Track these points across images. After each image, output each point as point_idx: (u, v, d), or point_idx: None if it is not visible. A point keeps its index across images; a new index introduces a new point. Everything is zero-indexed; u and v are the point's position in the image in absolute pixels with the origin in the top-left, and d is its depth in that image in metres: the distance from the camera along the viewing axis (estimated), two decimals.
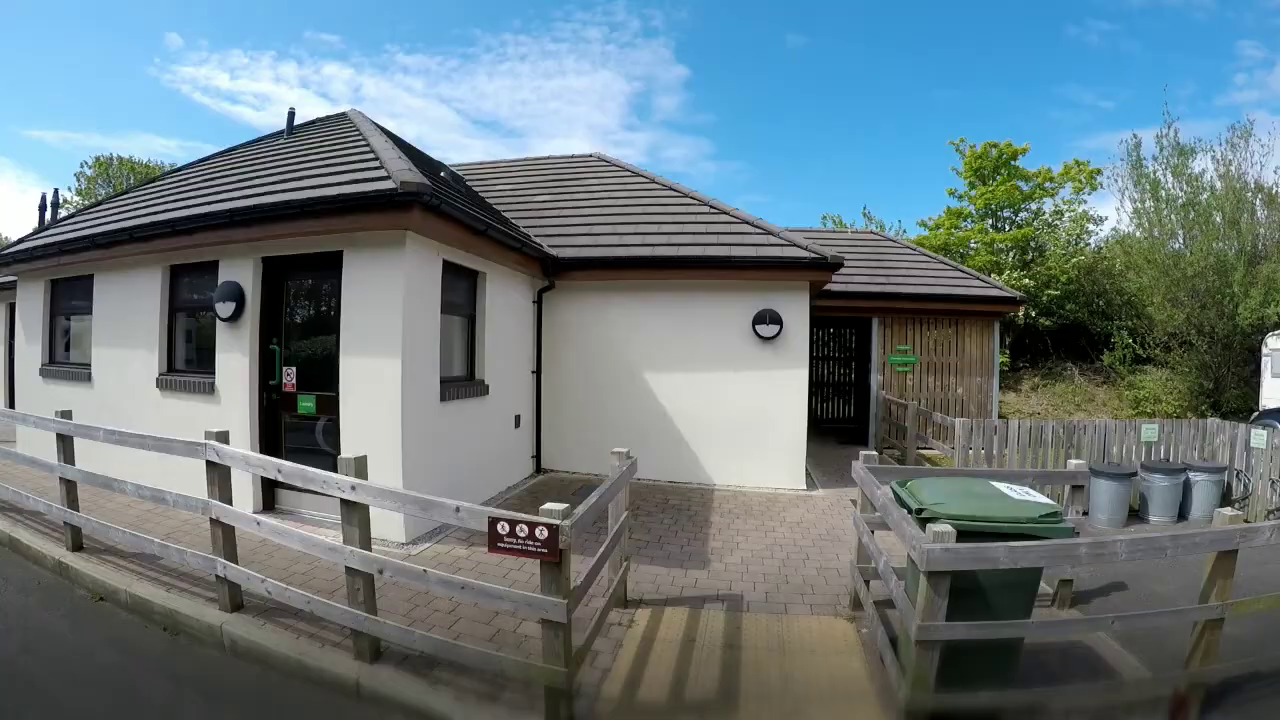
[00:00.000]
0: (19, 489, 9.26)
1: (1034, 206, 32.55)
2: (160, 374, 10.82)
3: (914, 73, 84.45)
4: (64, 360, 13.40)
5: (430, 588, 5.42)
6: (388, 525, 8.21)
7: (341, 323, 9.02)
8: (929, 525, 4.68)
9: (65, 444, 8.25)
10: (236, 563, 6.53)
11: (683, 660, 5.73)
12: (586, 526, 5.20)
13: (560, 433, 13.48)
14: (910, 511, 5.31)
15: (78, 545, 8.21)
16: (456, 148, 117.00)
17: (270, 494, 9.79)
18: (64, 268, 12.78)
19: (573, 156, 19.87)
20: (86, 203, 36.02)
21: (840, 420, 21.78)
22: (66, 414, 8.37)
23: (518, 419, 12.56)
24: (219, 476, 6.54)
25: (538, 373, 13.39)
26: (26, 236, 14.44)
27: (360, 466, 5.63)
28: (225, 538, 6.52)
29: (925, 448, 15.09)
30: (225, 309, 9.74)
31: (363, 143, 11.04)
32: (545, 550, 4.60)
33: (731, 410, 12.43)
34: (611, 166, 18.37)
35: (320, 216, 8.71)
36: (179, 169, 15.17)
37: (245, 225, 9.35)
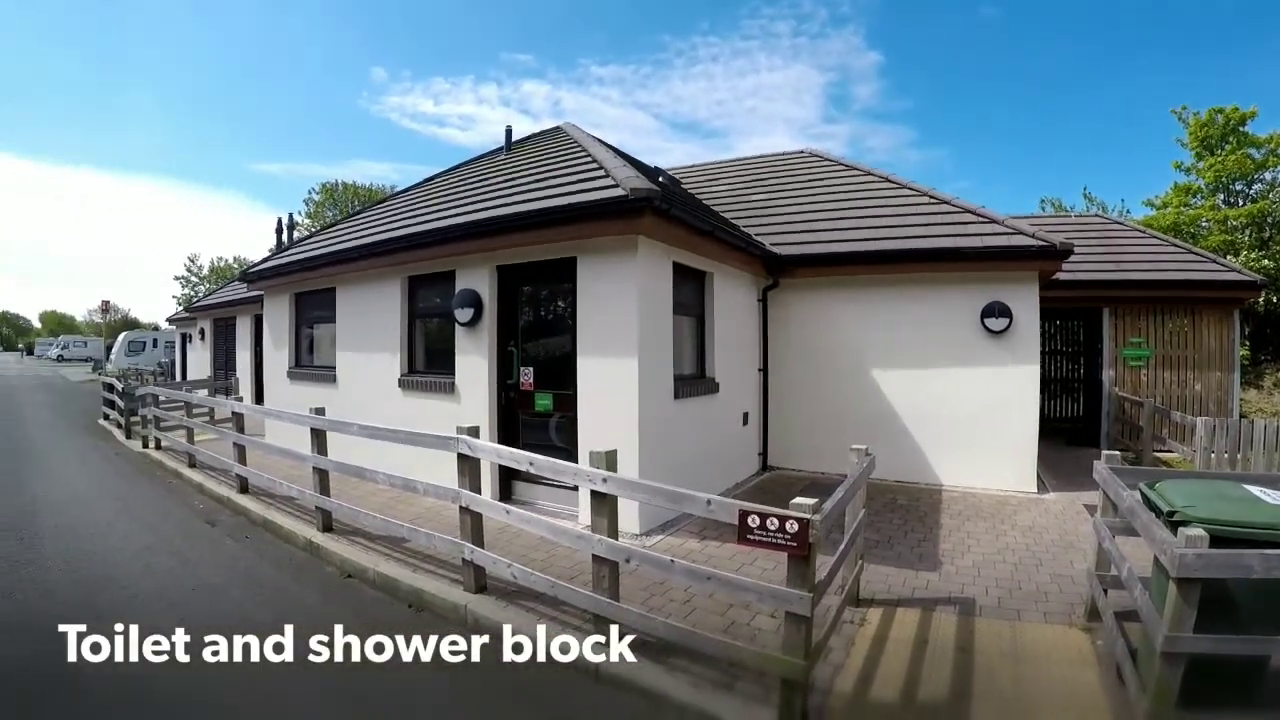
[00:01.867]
0: (272, 476, 10.46)
1: (1268, 177, 29.18)
2: (402, 375, 11.89)
3: (1123, 35, 78.39)
4: (308, 364, 14.98)
5: (673, 577, 5.70)
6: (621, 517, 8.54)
7: (578, 325, 9.45)
8: (1180, 529, 4.46)
9: (319, 438, 9.11)
10: (483, 548, 7.00)
11: (914, 661, 5.69)
12: (832, 522, 5.29)
13: (786, 430, 13.47)
14: (1159, 515, 5.06)
15: (327, 527, 9.09)
16: (658, 152, 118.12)
17: (507, 485, 10.27)
18: (307, 282, 14.34)
19: (784, 154, 19.92)
20: (317, 224, 38.79)
21: (1067, 419, 20.05)
22: (320, 411, 9.25)
23: (745, 416, 12.70)
24: (469, 468, 7.04)
25: (764, 370, 13.46)
26: (271, 255, 16.16)
27: (610, 460, 5.90)
28: (473, 525, 6.99)
29: (1162, 449, 14.37)
30: (464, 314, 10.52)
31: (582, 153, 11.60)
32: (794, 544, 4.63)
33: (959, 408, 12.03)
34: (824, 161, 18.28)
35: (552, 225, 9.20)
36: (407, 189, 16.47)
37: (479, 237, 10.12)
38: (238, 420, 11.42)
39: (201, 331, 29.98)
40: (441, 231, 10.69)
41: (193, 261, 79.05)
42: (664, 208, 8.74)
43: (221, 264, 76.92)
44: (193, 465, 13.49)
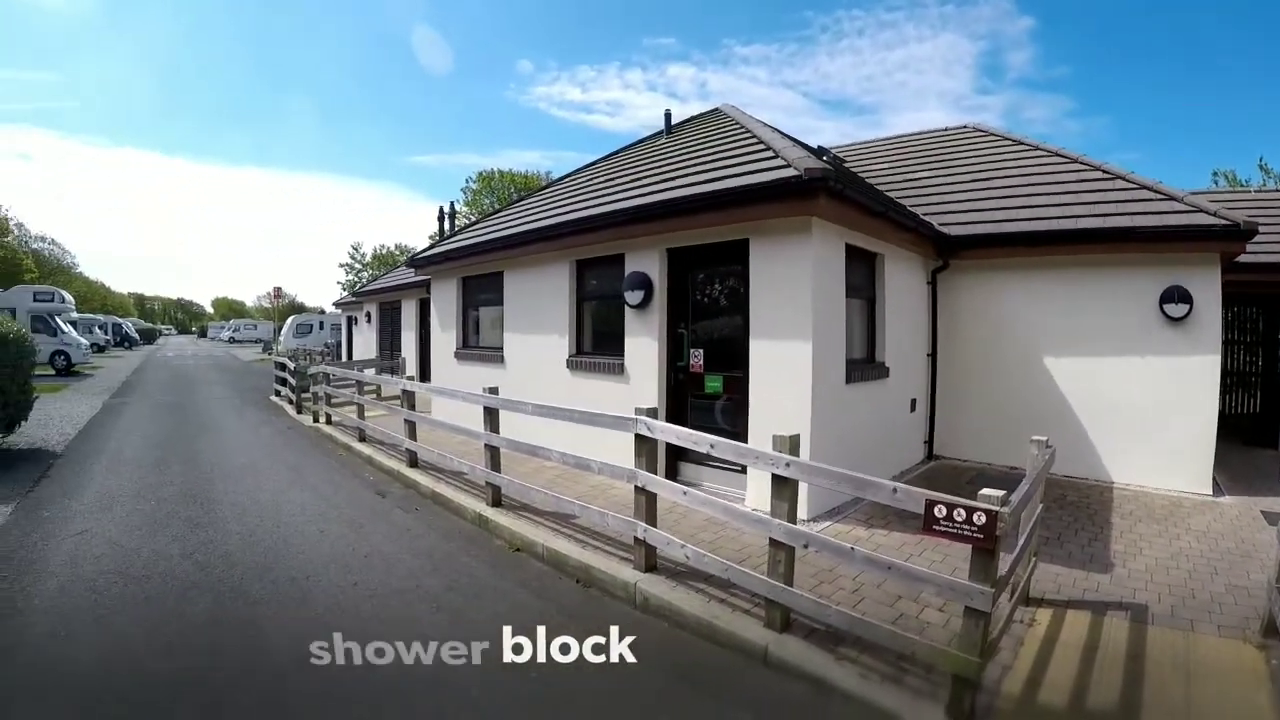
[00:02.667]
0: (441, 452, 10.92)
1: None
2: (570, 356, 12.10)
3: None
4: (475, 345, 15.45)
5: (848, 565, 5.60)
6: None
7: (751, 308, 9.30)
8: None
9: (492, 416, 9.26)
10: (656, 527, 6.97)
11: (1084, 667, 5.44)
12: (1019, 515, 5.08)
13: (952, 418, 12.90)
14: None
15: (497, 502, 9.26)
16: (809, 131, 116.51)
17: (673, 465, 10.14)
18: (475, 266, 14.79)
19: (946, 129, 19.18)
20: (474, 212, 39.65)
21: (1244, 415, 18.78)
22: (493, 390, 9.38)
23: (913, 403, 12.29)
24: (647, 449, 7.00)
25: (932, 355, 12.93)
26: (437, 242, 16.69)
27: (794, 445, 5.78)
28: (648, 504, 6.96)
29: None
30: (634, 297, 10.61)
31: (746, 134, 11.50)
32: (980, 536, 4.44)
33: (1131, 401, 11.21)
34: (989, 136, 17.46)
35: (723, 208, 9.13)
36: (570, 175, 16.64)
37: (649, 220, 10.17)
38: (408, 398, 11.74)
39: (368, 315, 31.13)
40: (610, 215, 10.79)
41: (356, 249, 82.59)
42: (838, 188, 8.55)
43: (383, 251, 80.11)
44: (363, 440, 13.96)
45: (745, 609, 6.14)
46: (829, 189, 8.40)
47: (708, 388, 10.10)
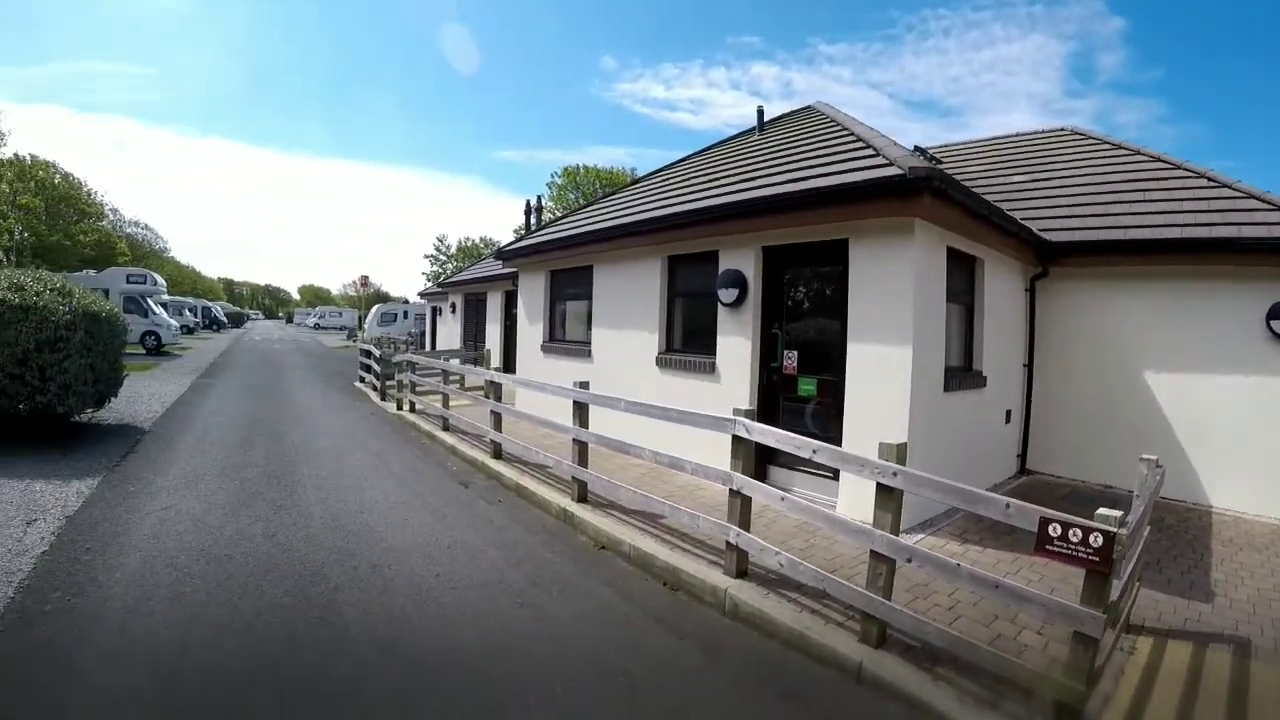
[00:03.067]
0: (525, 444, 10.96)
1: None
2: (660, 353, 11.99)
3: None
4: (561, 338, 15.40)
5: (955, 581, 5.29)
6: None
7: (849, 310, 8.99)
8: None
9: (581, 411, 9.12)
10: (749, 532, 6.74)
11: (1185, 701, 5.09)
12: (1136, 538, 4.81)
13: (1046, 432, 12.32)
14: None
15: (582, 497, 9.17)
16: (894, 132, 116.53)
17: (760, 469, 9.54)
18: (564, 259, 14.78)
19: (1040, 132, 18.44)
20: (559, 206, 39.73)
21: None
22: (584, 385, 9.21)
23: (1008, 414, 11.81)
24: (744, 451, 6.76)
25: (1029, 366, 12.38)
26: (525, 235, 16.72)
27: (901, 453, 5.55)
28: (742, 508, 6.73)
29: None
30: (728, 295, 10.42)
31: (844, 132, 11.26)
32: (1096, 558, 4.28)
33: (1233, 422, 10.54)
34: (1087, 139, 16.63)
35: (822, 206, 8.89)
36: (660, 170, 16.52)
37: (745, 217, 9.98)
38: (493, 389, 11.69)
39: (453, 305, 31.42)
40: (705, 211, 10.62)
41: (441, 241, 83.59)
42: (942, 188, 8.16)
43: (468, 243, 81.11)
44: (446, 429, 14.06)
45: (838, 621, 5.92)
46: (933, 189, 8.07)
47: (800, 390, 9.85)
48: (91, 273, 38.99)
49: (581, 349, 14.13)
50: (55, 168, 61.04)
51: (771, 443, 6.66)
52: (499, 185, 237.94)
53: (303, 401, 19.20)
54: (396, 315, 57.30)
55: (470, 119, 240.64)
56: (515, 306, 23.16)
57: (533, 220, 28.86)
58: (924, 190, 8.04)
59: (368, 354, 22.94)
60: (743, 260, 10.41)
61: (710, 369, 10.87)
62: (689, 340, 11.79)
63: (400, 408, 17.57)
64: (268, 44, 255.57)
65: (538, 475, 10.54)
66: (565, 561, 7.52)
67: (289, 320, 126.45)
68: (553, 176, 66.74)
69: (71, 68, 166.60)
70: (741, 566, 6.82)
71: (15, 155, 56.66)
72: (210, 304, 79.40)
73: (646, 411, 8.13)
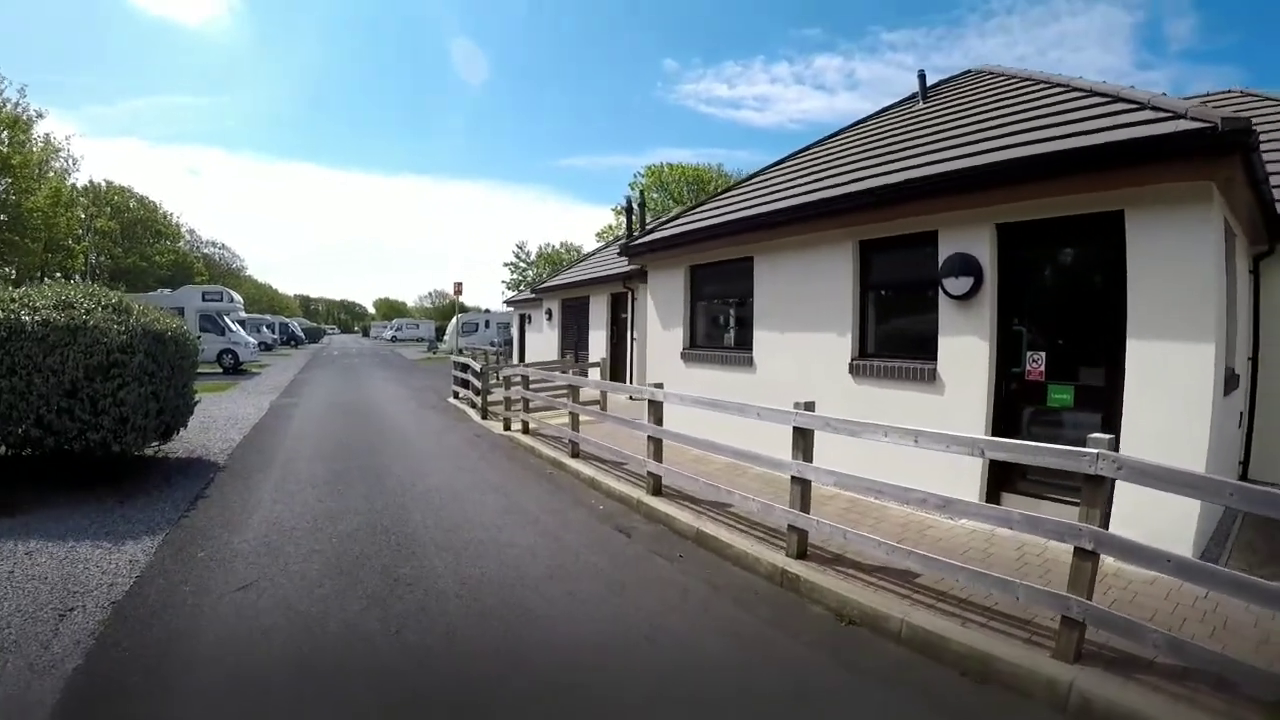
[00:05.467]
0: (692, 476, 9.16)
1: None
2: (853, 359, 10.03)
3: None
4: (708, 344, 13.54)
5: None
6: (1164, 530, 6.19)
7: (1129, 299, 7.24)
8: None
9: (805, 438, 7.11)
10: (1091, 600, 5.03)
11: None
12: None
13: (1272, 434, 10.53)
14: None
15: (801, 553, 7.17)
16: None
17: (995, 494, 8.41)
18: (710, 251, 12.88)
19: (1209, 95, 15.90)
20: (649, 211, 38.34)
21: None
22: (808, 406, 7.13)
23: (1241, 416, 10.20)
24: (1103, 495, 4.92)
25: (1253, 359, 10.61)
26: (655, 226, 15.10)
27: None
28: (1091, 571, 5.02)
29: None
30: (957, 285, 8.57)
31: (1061, 89, 9.76)
32: None
33: None
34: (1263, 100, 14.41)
35: (1088, 172, 7.23)
36: (811, 148, 14.47)
37: (974, 189, 8.26)
38: (655, 410, 9.56)
39: (548, 312, 29.90)
40: (920, 184, 8.77)
41: (521, 248, 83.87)
42: (1256, 146, 6.68)
43: (549, 249, 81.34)
44: (576, 455, 12.12)
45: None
46: (1247, 147, 6.54)
47: (1051, 400, 8.06)
48: (166, 291, 39.11)
49: (738, 357, 12.19)
50: (130, 192, 63.22)
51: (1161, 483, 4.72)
52: (567, 193, 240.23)
53: (396, 424, 17.38)
54: (478, 325, 57.65)
55: (533, 128, 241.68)
56: (625, 310, 21.81)
57: (634, 218, 27.08)
58: (1235, 149, 6.53)
59: (464, 367, 21.37)
60: (973, 242, 8.53)
61: (928, 376, 8.92)
62: (892, 342, 9.83)
63: (508, 428, 15.80)
64: (332, 71, 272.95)
65: (718, 517, 8.55)
66: (815, 653, 5.51)
67: (365, 334, 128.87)
68: (635, 178, 66.35)
69: (144, 103, 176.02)
70: (1079, 647, 5.04)
71: (90, 181, 58.00)
72: (288, 320, 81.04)
73: (938, 442, 5.91)
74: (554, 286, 29.00)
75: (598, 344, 23.84)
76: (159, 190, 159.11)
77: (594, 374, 18.45)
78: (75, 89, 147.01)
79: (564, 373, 17.09)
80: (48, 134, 37.20)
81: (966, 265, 8.46)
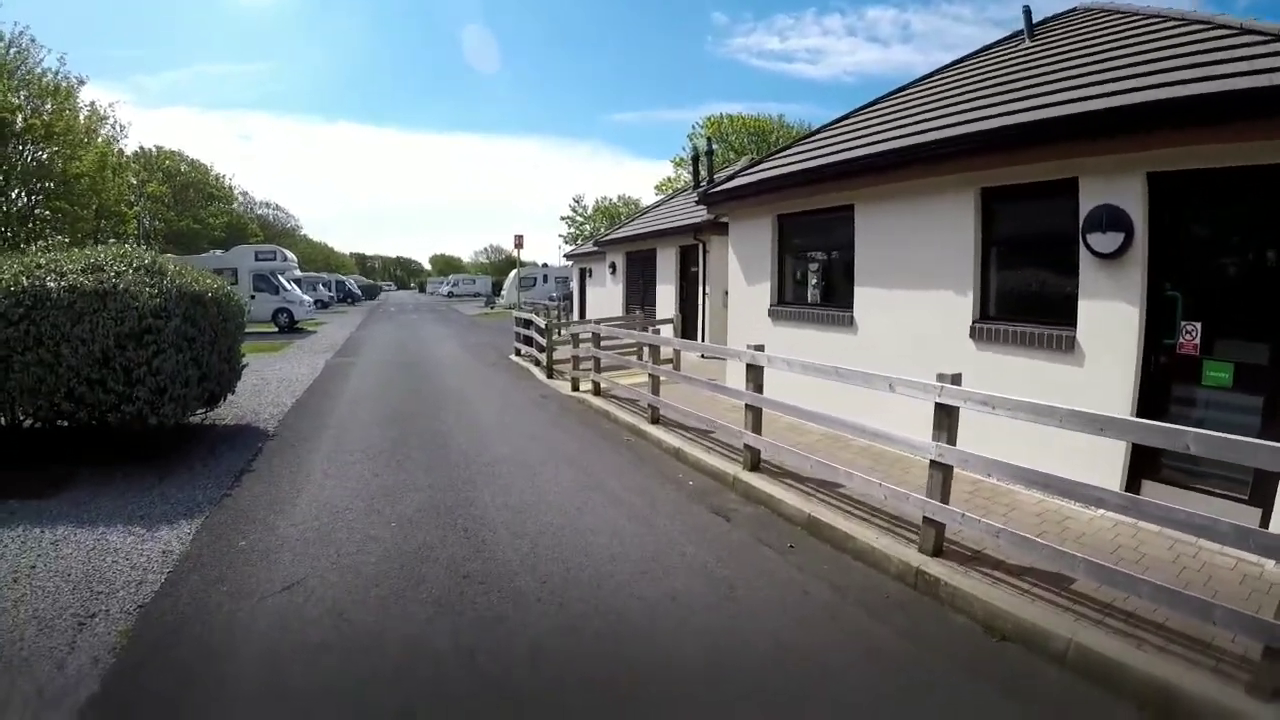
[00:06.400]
0: (802, 452, 8.02)
1: None
2: (975, 321, 8.93)
3: None
4: (801, 300, 12.56)
5: None
6: None
7: None
8: None
9: (950, 416, 6.07)
10: None
11: None
12: None
13: None
14: None
15: (938, 549, 6.20)
16: None
17: (1135, 482, 7.39)
18: (802, 199, 11.85)
19: None
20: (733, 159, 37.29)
21: None
22: (955, 379, 6.15)
23: None
24: None
25: None
26: (740, 171, 14.39)
27: None
28: None
29: None
30: (1106, 241, 7.44)
31: (1176, 24, 8.98)
32: None
33: None
34: None
35: (1252, 117, 6.25)
36: (906, 88, 13.27)
37: (1119, 134, 7.24)
38: (753, 375, 8.53)
39: (611, 265, 28.95)
40: (1059, 124, 7.70)
41: (578, 202, 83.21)
42: None
43: (605, 203, 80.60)
44: (656, 421, 11.22)
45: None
46: None
47: (1207, 377, 7.01)
48: (218, 252, 39.30)
49: (836, 315, 11.13)
50: (181, 156, 63.62)
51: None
52: (619, 148, 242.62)
53: (457, 383, 16.61)
54: (536, 279, 57.35)
55: (583, 84, 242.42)
56: (695, 264, 21.01)
57: (701, 167, 26.01)
58: None
59: (526, 323, 20.62)
60: (1121, 194, 7.41)
61: (1065, 345, 7.83)
62: (1020, 304, 8.75)
63: (577, 388, 14.96)
64: (379, 31, 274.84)
65: (830, 499, 7.58)
66: (971, 678, 4.62)
67: (421, 290, 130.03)
68: (694, 129, 65.17)
69: (190, 72, 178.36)
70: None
71: (140, 147, 58.38)
72: (344, 278, 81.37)
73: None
74: (618, 239, 27.97)
75: (666, 299, 22.95)
76: (210, 155, 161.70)
77: (665, 331, 17.41)
78: (120, 61, 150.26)
79: (638, 330, 16.23)
80: (93, 101, 36.74)
81: (1115, 219, 7.38)
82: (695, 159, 27.48)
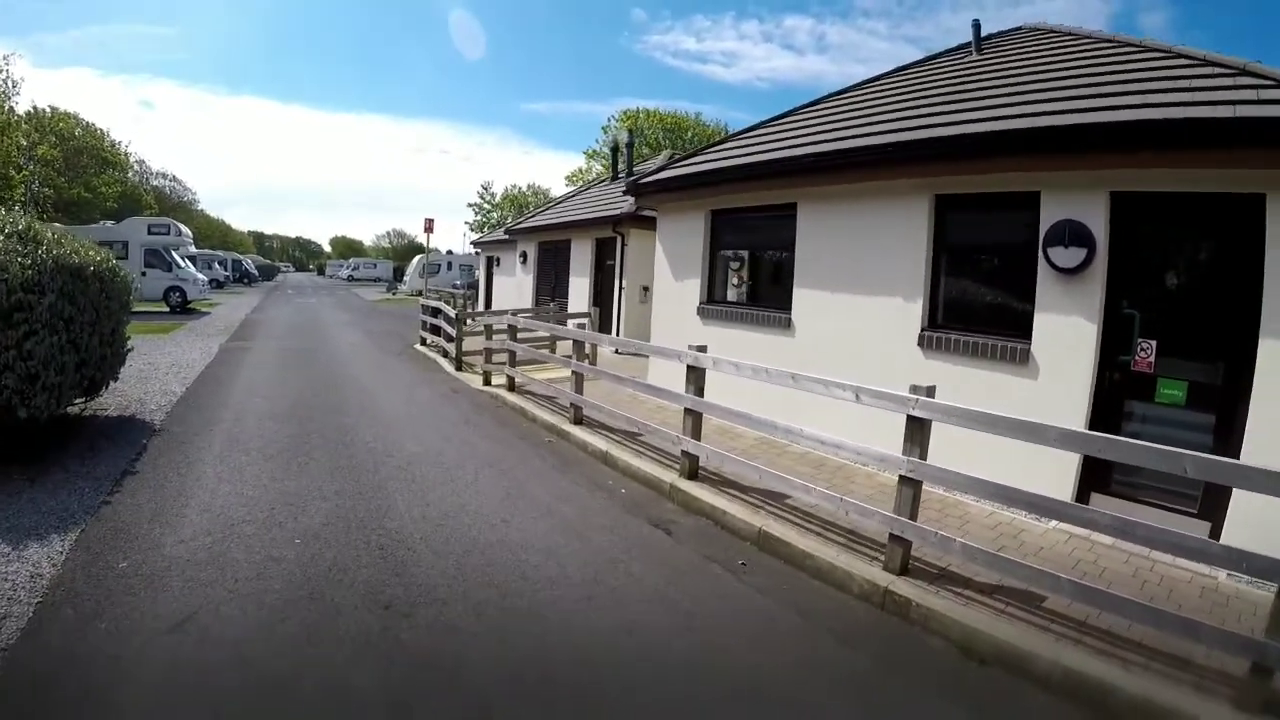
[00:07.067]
0: (743, 459, 7.73)
1: None
2: (923, 329, 8.81)
3: None
4: (732, 299, 12.26)
5: None
6: None
7: (1265, 292, 6.41)
8: None
9: (923, 430, 5.75)
10: None
11: None
12: None
13: None
14: None
15: (904, 568, 5.85)
16: None
17: (1085, 494, 7.46)
18: (740, 195, 11.55)
19: None
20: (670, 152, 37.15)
21: None
22: (928, 391, 5.87)
23: None
24: None
25: None
26: (670, 163, 14.05)
27: None
28: None
29: None
30: (1067, 257, 7.50)
31: (1132, 49, 9.43)
32: None
33: None
34: None
35: (1225, 147, 6.45)
36: (856, 87, 13.15)
37: (1084, 151, 7.39)
38: (694, 377, 8.11)
39: (522, 255, 28.36)
40: (1022, 136, 7.72)
41: (486, 189, 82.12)
42: None
43: (515, 191, 79.87)
44: (579, 422, 10.69)
45: None
46: None
47: (1160, 395, 7.19)
48: (109, 224, 37.28)
49: (772, 317, 10.85)
50: (76, 119, 60.19)
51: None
52: (531, 138, 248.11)
53: (361, 374, 15.83)
54: (440, 266, 56.53)
55: (496, 71, 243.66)
56: (612, 257, 20.69)
57: (621, 160, 25.62)
58: None
59: (434, 311, 19.79)
60: (1084, 210, 7.48)
61: (1019, 357, 7.85)
62: (972, 315, 8.63)
63: (489, 382, 14.31)
64: (291, 2, 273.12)
65: (779, 511, 7.22)
66: (957, 708, 4.39)
67: (321, 272, 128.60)
68: (610, 121, 66.13)
69: (95, 30, 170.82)
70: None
71: (34, 107, 55.34)
72: (240, 257, 79.36)
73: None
74: (531, 228, 27.41)
75: (579, 292, 22.51)
76: (110, 121, 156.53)
77: (578, 325, 16.91)
78: (22, 14, 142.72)
79: (553, 323, 15.68)
80: None
81: (1078, 235, 7.41)
82: (614, 150, 27.37)
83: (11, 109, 39.72)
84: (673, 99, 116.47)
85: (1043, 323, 7.71)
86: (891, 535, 5.85)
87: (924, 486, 5.87)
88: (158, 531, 6.29)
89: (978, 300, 8.71)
